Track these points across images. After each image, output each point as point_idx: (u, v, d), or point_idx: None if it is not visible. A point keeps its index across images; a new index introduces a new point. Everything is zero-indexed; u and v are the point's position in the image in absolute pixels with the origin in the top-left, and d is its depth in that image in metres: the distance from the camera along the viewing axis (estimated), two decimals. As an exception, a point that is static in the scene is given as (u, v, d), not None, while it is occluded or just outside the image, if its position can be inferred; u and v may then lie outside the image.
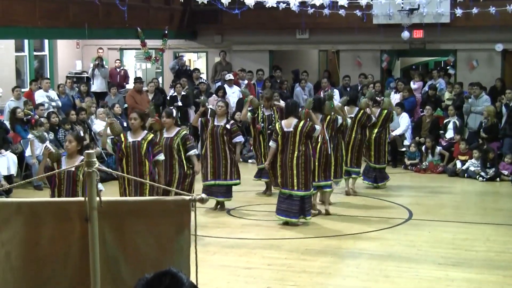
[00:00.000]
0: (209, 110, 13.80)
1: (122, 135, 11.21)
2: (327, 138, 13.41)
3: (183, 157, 12.30)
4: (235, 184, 13.78)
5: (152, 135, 11.35)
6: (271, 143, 12.86)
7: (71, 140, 9.92)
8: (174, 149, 12.25)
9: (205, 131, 13.66)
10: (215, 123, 13.53)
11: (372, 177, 16.09)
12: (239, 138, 13.72)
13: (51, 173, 9.10)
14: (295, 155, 12.43)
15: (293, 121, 12.56)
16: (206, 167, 13.54)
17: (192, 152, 12.37)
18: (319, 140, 13.17)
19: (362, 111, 15.30)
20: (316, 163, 13.11)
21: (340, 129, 13.97)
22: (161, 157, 11.25)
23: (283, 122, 12.74)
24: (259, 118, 14.95)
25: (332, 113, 13.70)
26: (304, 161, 12.43)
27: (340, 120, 13.81)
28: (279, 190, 12.90)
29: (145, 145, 10.99)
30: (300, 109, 13.28)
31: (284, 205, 12.65)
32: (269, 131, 14.64)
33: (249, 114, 14.99)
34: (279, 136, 12.59)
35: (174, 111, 13.08)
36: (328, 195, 13.83)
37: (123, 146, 11.01)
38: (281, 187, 12.69)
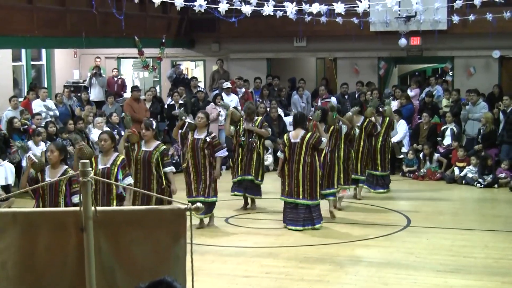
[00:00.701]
0: (187, 123, 13.08)
1: (93, 159, 10.57)
2: (330, 149, 13.66)
3: (161, 173, 11.76)
4: (213, 202, 12.99)
5: (122, 157, 10.74)
6: (279, 154, 13.18)
7: (53, 150, 9.71)
8: (152, 164, 11.71)
9: (185, 144, 13.02)
10: (195, 136, 12.85)
11: (381, 184, 16.25)
12: (222, 152, 12.95)
13: (35, 186, 8.99)
14: (301, 165, 12.65)
15: (301, 132, 12.81)
16: (190, 184, 12.95)
17: (169, 169, 11.80)
18: (324, 150, 13.34)
19: (367, 120, 15.60)
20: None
21: (348, 138, 14.14)
22: (129, 180, 10.62)
23: (291, 133, 13.02)
24: (240, 131, 14.41)
25: (337, 122, 13.87)
26: (310, 171, 12.64)
27: (344, 130, 14.03)
28: (283, 199, 13.02)
29: (115, 170, 10.46)
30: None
31: (290, 214, 12.87)
32: (249, 140, 14.43)
33: (232, 127, 14.43)
34: (286, 147, 12.83)
35: (154, 123, 12.58)
36: (333, 202, 13.97)
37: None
38: (286, 196, 12.88)
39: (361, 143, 15.38)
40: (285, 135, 13.21)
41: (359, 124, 15.27)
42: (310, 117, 21.58)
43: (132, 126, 12.40)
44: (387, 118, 16.32)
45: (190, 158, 12.89)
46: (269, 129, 14.83)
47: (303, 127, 12.99)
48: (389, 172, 16.58)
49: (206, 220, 13.25)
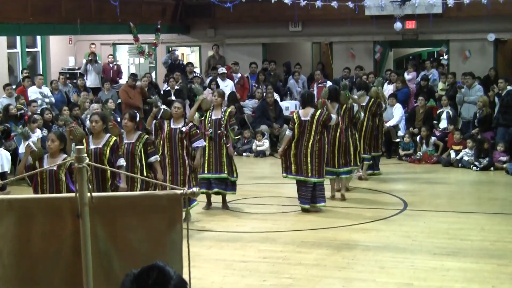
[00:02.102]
0: (161, 110, 12.60)
1: (84, 140, 10.48)
2: (344, 126, 13.86)
3: (145, 164, 11.38)
4: None
5: (114, 139, 10.54)
6: (288, 132, 13.21)
7: (54, 139, 9.67)
8: (136, 156, 11.29)
9: (160, 135, 12.44)
10: (172, 126, 12.35)
11: (372, 165, 16.30)
12: (200, 143, 12.40)
13: (31, 173, 8.96)
14: (310, 143, 12.82)
15: (310, 110, 12.96)
16: (164, 176, 12.16)
17: (154, 158, 11.39)
18: (337, 128, 13.61)
19: (372, 100, 15.75)
20: (336, 151, 13.67)
21: (353, 120, 14.39)
22: (122, 162, 10.50)
23: (301, 111, 13.16)
24: (206, 123, 13.25)
25: (350, 101, 13.99)
26: (318, 148, 12.82)
27: (356, 108, 14.31)
28: (293, 177, 13.13)
29: (107, 151, 10.33)
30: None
31: (301, 192, 13.09)
32: (217, 132, 13.27)
33: (197, 115, 13.38)
34: (296, 124, 12.95)
35: (138, 114, 12.17)
36: (345, 181, 14.31)
37: None
38: (295, 174, 13.01)
39: (365, 122, 15.48)
40: (294, 113, 13.35)
41: (364, 104, 15.42)
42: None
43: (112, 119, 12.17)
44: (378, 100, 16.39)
45: (167, 149, 12.33)
46: (236, 127, 14.15)
47: (313, 105, 13.12)
48: (380, 153, 16.64)
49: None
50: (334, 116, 13.03)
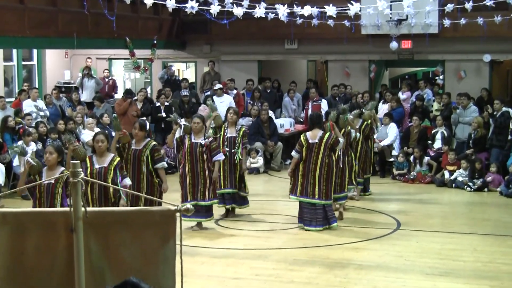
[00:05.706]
0: (182, 126, 12.95)
1: (87, 159, 10.56)
2: (341, 152, 13.71)
3: (152, 170, 11.75)
4: (213, 203, 12.95)
5: (118, 159, 10.64)
6: (294, 154, 13.06)
7: (52, 152, 9.72)
8: (142, 162, 11.68)
9: (181, 149, 12.80)
10: (193, 140, 12.70)
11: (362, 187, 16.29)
12: (220, 156, 12.83)
13: (31, 185, 8.98)
14: (318, 165, 12.78)
15: (319, 132, 12.92)
16: (185, 187, 12.73)
17: (160, 165, 11.80)
18: (337, 152, 13.46)
19: (365, 123, 15.75)
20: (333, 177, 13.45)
21: (350, 141, 14.47)
22: (128, 181, 10.68)
23: (308, 133, 13.05)
24: (221, 140, 13.71)
25: (347, 126, 14.06)
26: (327, 171, 12.81)
27: (353, 133, 14.41)
28: (297, 199, 13.12)
29: (112, 171, 10.34)
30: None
31: (308, 215, 13.00)
32: (232, 151, 13.83)
33: (211, 131, 13.74)
34: (304, 147, 12.87)
35: (147, 124, 12.33)
36: (343, 204, 14.28)
37: (88, 172, 10.29)
38: (299, 196, 12.99)
39: (359, 146, 15.47)
40: (301, 136, 13.21)
41: (357, 127, 15.38)
42: (301, 119, 21.72)
43: (122, 127, 12.35)
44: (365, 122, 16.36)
45: (188, 162, 12.68)
46: (248, 146, 14.56)
47: (321, 127, 13.07)
48: (370, 175, 16.54)
49: (205, 223, 13.14)
50: (341, 139, 13.07)
